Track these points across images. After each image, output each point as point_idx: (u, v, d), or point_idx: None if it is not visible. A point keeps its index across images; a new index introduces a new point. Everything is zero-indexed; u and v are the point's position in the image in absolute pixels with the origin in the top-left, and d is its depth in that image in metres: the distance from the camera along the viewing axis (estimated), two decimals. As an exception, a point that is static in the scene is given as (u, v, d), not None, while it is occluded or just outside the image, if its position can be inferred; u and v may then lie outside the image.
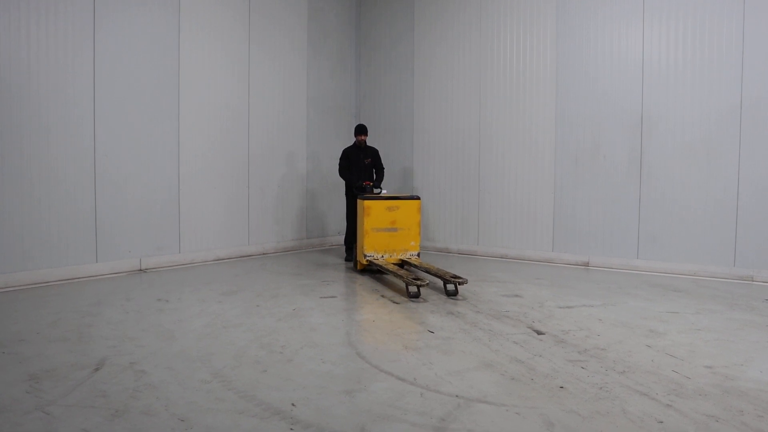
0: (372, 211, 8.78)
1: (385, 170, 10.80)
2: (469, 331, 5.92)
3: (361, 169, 10.09)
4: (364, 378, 4.52)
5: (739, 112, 8.73)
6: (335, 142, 12.47)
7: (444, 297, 7.46)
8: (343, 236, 12.69)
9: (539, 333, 5.84)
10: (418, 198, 9.05)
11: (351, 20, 12.86)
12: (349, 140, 12.73)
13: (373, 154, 10.31)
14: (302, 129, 11.73)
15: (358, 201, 9.06)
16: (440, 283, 8.16)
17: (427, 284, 7.24)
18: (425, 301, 7.27)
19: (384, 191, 9.70)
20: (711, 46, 8.91)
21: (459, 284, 7.36)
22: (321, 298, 7.37)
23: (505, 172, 10.92)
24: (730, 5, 8.75)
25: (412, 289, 7.33)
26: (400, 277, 7.59)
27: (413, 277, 7.47)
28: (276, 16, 11.01)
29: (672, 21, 9.21)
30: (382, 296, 7.55)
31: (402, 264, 8.87)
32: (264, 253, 10.89)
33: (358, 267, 9.15)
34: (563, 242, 10.29)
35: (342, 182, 11.29)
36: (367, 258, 8.78)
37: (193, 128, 9.57)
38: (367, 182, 9.79)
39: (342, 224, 12.66)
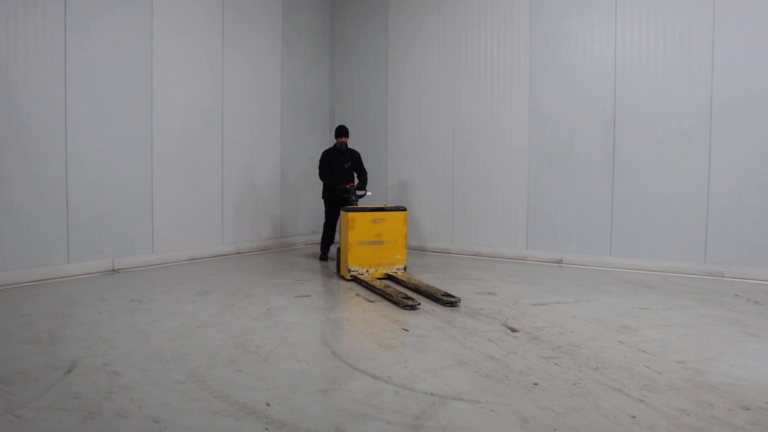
0: (357, 224, 8.33)
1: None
2: (444, 329, 5.94)
3: (341, 173, 9.81)
4: (339, 377, 4.53)
5: (709, 111, 8.85)
6: (309, 141, 12.46)
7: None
8: (314, 233, 12.68)
9: (513, 330, 5.88)
10: (404, 209, 8.60)
11: (325, 19, 12.84)
12: (324, 139, 12.73)
13: (354, 157, 10.02)
14: (276, 128, 11.69)
15: (342, 213, 8.61)
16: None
17: (419, 305, 6.81)
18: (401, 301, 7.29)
19: (369, 193, 9.66)
20: (682, 46, 9.03)
21: (452, 304, 6.89)
22: (296, 297, 7.36)
23: (479, 170, 10.97)
24: (700, 6, 8.86)
25: (406, 308, 6.75)
26: (389, 296, 7.12)
27: (403, 296, 7.01)
28: (250, 14, 10.97)
29: (644, 21, 9.31)
30: (357, 295, 7.56)
31: (388, 279, 8.43)
32: (238, 253, 10.85)
33: (342, 275, 8.64)
34: (537, 240, 10.36)
35: (320, 183, 11.24)
36: (352, 273, 8.34)
37: (167, 128, 9.51)
38: (351, 184, 9.46)
39: (316, 223, 12.64)
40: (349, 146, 10.17)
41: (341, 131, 9.80)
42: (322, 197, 10.17)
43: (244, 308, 6.71)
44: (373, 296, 7.37)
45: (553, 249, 10.23)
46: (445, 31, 11.29)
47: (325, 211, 10.15)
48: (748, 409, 3.98)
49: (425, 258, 10.72)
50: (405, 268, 8.58)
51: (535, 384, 4.41)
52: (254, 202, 11.24)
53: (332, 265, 9.89)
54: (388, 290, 7.31)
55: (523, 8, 10.39)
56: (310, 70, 12.51)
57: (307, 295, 7.46)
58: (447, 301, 6.90)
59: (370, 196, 9.44)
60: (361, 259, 8.38)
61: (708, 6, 8.80)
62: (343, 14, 12.77)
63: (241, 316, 6.34)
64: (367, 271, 8.41)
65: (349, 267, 8.35)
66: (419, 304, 6.81)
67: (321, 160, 9.89)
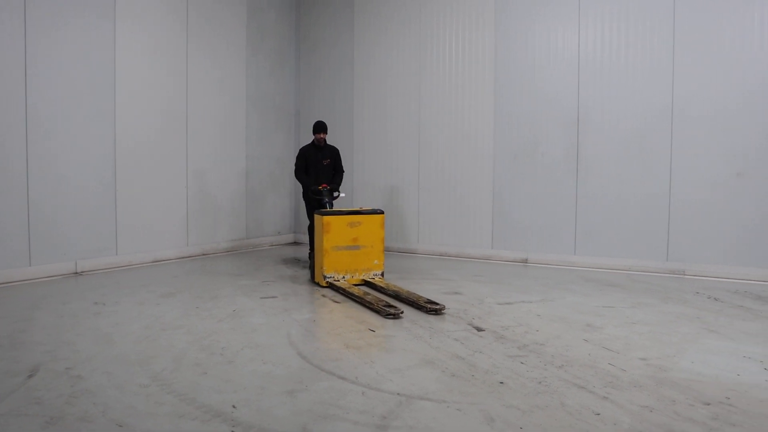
0: (332, 228, 7.90)
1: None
2: (410, 328, 5.96)
3: (319, 171, 9.19)
4: (305, 378, 4.52)
5: (670, 110, 8.99)
6: (275, 142, 12.41)
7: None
8: (280, 234, 12.63)
9: (479, 329, 5.92)
10: (381, 212, 8.23)
11: (290, 20, 12.80)
12: (289, 140, 12.70)
13: (333, 154, 9.38)
14: (241, 129, 11.63)
15: (316, 216, 8.18)
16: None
17: (402, 313, 6.44)
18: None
19: (342, 194, 9.27)
20: (644, 47, 9.16)
21: (436, 312, 6.55)
22: (261, 298, 7.33)
23: (444, 169, 11.01)
24: (661, 8, 9.00)
25: (389, 317, 6.37)
26: (369, 304, 6.75)
27: (384, 303, 6.66)
28: (214, 16, 10.88)
29: (606, 22, 9.43)
30: (323, 296, 7.55)
31: (365, 285, 8.03)
32: (204, 254, 10.77)
33: (317, 281, 8.19)
34: (502, 239, 10.43)
35: (286, 183, 11.16)
36: (327, 279, 7.92)
37: (130, 128, 9.40)
38: (324, 185, 8.95)
39: (282, 224, 12.60)
40: (323, 143, 9.38)
41: (319, 127, 9.23)
42: (303, 197, 9.49)
43: (209, 310, 6.67)
44: (351, 305, 7.00)
45: (518, 248, 10.30)
46: (410, 31, 11.32)
47: (308, 213, 9.37)
48: (708, 404, 4.05)
49: (391, 259, 10.73)
50: (382, 274, 8.22)
51: (501, 383, 4.45)
52: (219, 203, 11.17)
53: (305, 271, 9.84)
54: (368, 298, 6.96)
55: (488, 8, 10.45)
56: (276, 71, 12.46)
57: (273, 297, 7.43)
58: (430, 308, 6.60)
59: (343, 198, 9.12)
60: (336, 264, 7.98)
61: (668, 8, 8.95)
62: (309, 15, 12.74)
63: (206, 318, 6.30)
64: (344, 277, 8.00)
65: (325, 273, 7.94)
66: (402, 312, 6.45)
67: (297, 157, 9.27)
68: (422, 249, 11.34)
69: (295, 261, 10.30)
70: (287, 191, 12.77)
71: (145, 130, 9.67)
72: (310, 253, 9.20)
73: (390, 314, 6.38)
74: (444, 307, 6.62)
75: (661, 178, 9.11)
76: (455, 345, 5.40)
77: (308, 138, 12.36)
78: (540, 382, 4.45)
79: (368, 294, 7.19)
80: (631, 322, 6.30)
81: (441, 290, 7.87)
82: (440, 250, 11.06)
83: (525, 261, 10.19)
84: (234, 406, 3.96)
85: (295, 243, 12.72)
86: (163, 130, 9.99)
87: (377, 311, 6.57)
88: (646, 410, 3.96)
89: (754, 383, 4.47)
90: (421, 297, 6.99)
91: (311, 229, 9.07)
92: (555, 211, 9.95)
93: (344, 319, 6.39)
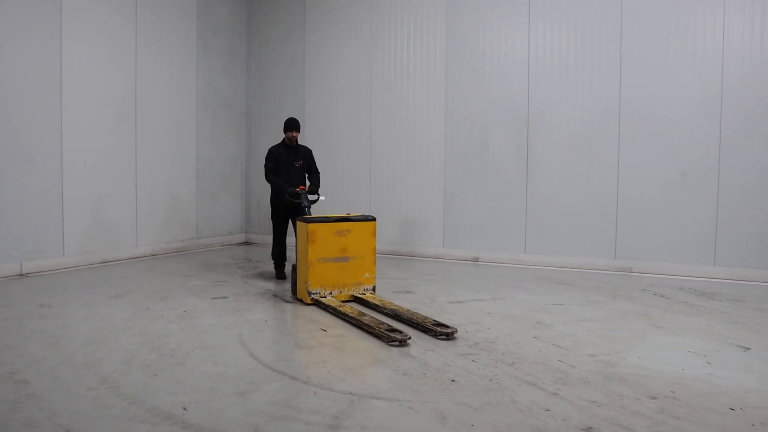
0: (318, 237, 6.96)
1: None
2: (363, 328, 5.96)
3: (291, 173, 8.43)
4: (257, 378, 4.50)
5: (617, 111, 9.16)
6: (226, 141, 12.29)
7: (338, 295, 7.47)
8: (232, 234, 12.53)
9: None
10: (373, 219, 7.32)
11: (242, 16, 12.68)
12: (240, 139, 12.60)
13: (306, 154, 8.66)
14: (192, 128, 11.48)
15: (299, 224, 7.21)
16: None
17: (410, 339, 5.48)
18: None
19: (323, 198, 8.44)
20: (592, 49, 9.33)
21: (448, 336, 5.62)
22: (212, 298, 7.26)
23: (395, 169, 11.03)
24: (609, 12, 9.18)
25: (393, 344, 5.40)
26: (369, 327, 5.78)
27: (386, 327, 5.66)
28: (164, 10, 10.72)
29: (556, 24, 9.57)
30: (275, 296, 7.51)
31: (355, 301, 7.10)
32: (153, 255, 10.62)
33: (300, 297, 7.19)
34: (453, 238, 10.50)
35: (234, 184, 11.03)
36: (313, 296, 6.94)
37: (77, 127, 9.21)
38: (302, 187, 8.23)
39: (233, 224, 12.50)
40: (295, 143, 8.63)
41: (291, 125, 8.45)
42: (270, 203, 8.63)
43: (159, 311, 6.58)
44: (344, 328, 5.99)
45: (469, 247, 10.38)
46: (362, 29, 11.31)
47: (273, 220, 8.65)
48: (654, 398, 4.14)
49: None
50: (374, 288, 7.29)
51: (453, 381, 4.48)
52: (169, 203, 11.02)
53: (275, 281, 9.77)
54: (365, 320, 5.98)
55: (439, 8, 10.51)
56: (227, 69, 12.34)
57: (224, 297, 7.37)
58: (440, 332, 5.64)
59: (323, 202, 8.62)
60: (323, 279, 7.00)
61: (616, 11, 9.12)
62: (260, 11, 12.63)
63: (156, 319, 6.22)
64: (331, 293, 7.04)
65: (310, 289, 6.96)
66: (409, 338, 5.48)
67: (267, 158, 8.45)
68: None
69: (247, 261, 10.23)
70: (239, 191, 12.67)
71: (93, 129, 9.49)
72: (275, 261, 8.70)
73: (395, 341, 5.43)
74: (456, 330, 5.67)
75: (609, 177, 9.29)
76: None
77: (260, 138, 12.36)
78: (491, 380, 4.50)
79: (364, 315, 6.18)
80: (581, 319, 6.41)
81: (392, 289, 7.89)
82: (391, 249, 11.08)
83: (476, 260, 10.28)
84: (185, 408, 3.92)
85: (247, 243, 12.63)
86: (111, 128, 9.81)
87: (378, 336, 5.60)
88: (594, 405, 4.03)
89: (697, 377, 4.59)
90: (426, 318, 6.08)
91: (276, 237, 8.57)
92: (505, 211, 10.05)
93: (296, 319, 6.38)
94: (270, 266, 9.46)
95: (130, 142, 10.16)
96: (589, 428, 3.67)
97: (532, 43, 9.76)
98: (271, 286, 8.11)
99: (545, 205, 9.76)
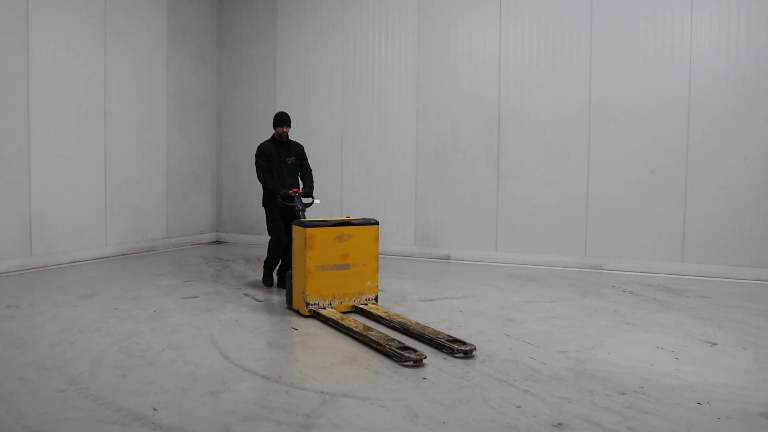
0: (316, 242, 6.37)
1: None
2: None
3: (284, 171, 7.85)
4: (228, 378, 4.48)
5: (588, 111, 9.25)
6: (197, 139, 12.19)
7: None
8: (202, 233, 12.44)
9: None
10: (376, 222, 6.73)
11: (212, 14, 12.58)
12: (210, 138, 12.51)
13: (298, 151, 8.05)
14: (162, 126, 11.37)
15: (296, 228, 6.62)
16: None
17: (425, 358, 4.89)
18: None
19: (317, 201, 7.85)
20: (563, 49, 9.41)
21: (466, 355, 5.06)
22: (183, 298, 7.21)
23: (367, 168, 11.02)
24: (579, 11, 9.27)
25: (407, 363, 4.85)
26: (377, 344, 5.21)
27: (398, 345, 5.07)
28: (134, 8, 10.60)
29: (527, 24, 9.64)
30: (246, 294, 7.47)
31: (356, 312, 6.55)
32: (123, 254, 10.51)
33: (296, 308, 6.61)
34: (425, 237, 10.52)
35: (201, 183, 10.91)
36: (311, 307, 6.36)
37: (45, 125, 9.08)
38: (296, 189, 7.62)
39: (204, 222, 12.41)
40: (286, 139, 8.00)
41: (282, 119, 7.84)
42: (263, 204, 7.95)
43: (129, 311, 6.52)
44: (347, 343, 5.45)
45: (441, 245, 10.41)
46: (333, 28, 11.28)
47: (268, 224, 7.88)
48: (624, 394, 4.19)
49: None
50: (377, 298, 6.69)
51: (424, 379, 4.50)
52: (140, 202, 10.90)
53: (266, 287, 9.64)
54: (372, 335, 5.40)
55: (411, 8, 10.52)
56: (198, 67, 12.24)
57: (195, 296, 7.32)
58: (458, 350, 5.08)
59: (318, 205, 8.07)
60: (322, 288, 6.42)
61: (586, 11, 9.20)
62: (231, 9, 12.53)
63: (125, 320, 6.16)
64: (330, 303, 6.46)
65: (308, 299, 6.36)
66: (425, 357, 4.89)
67: (258, 156, 7.80)
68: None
69: (218, 260, 10.16)
70: (209, 190, 12.58)
71: (61, 127, 9.36)
72: (265, 268, 8.05)
73: (408, 360, 4.85)
74: (474, 347, 5.12)
75: (579, 176, 9.37)
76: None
77: (231, 136, 12.31)
78: (462, 377, 4.52)
79: (370, 329, 5.59)
80: (551, 316, 6.46)
81: (365, 288, 7.88)
82: (365, 248, 11.04)
83: (448, 258, 10.31)
84: (155, 409, 3.89)
85: (218, 242, 12.55)
86: (80, 127, 9.68)
87: (389, 355, 5.04)
88: (565, 401, 4.07)
89: (666, 372, 4.65)
90: (440, 333, 5.52)
91: (272, 243, 7.83)
92: (477, 209, 10.10)
93: (267, 318, 6.35)
94: (241, 265, 9.43)
95: (99, 141, 10.05)
96: (560, 424, 3.71)
97: (503, 42, 9.82)
98: (242, 285, 8.07)
99: (516, 203, 9.82)
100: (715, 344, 5.44)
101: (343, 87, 11.22)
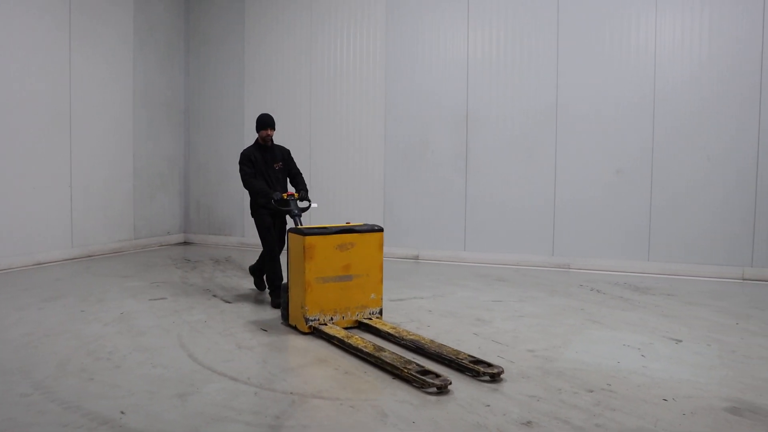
0: (317, 252, 5.74)
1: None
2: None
3: (271, 178, 7.22)
4: (196, 380, 4.45)
5: (554, 112, 9.33)
6: (164, 140, 12.07)
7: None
8: (170, 234, 12.34)
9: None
10: (380, 229, 6.14)
11: (180, 12, 12.45)
12: (178, 139, 12.40)
13: (285, 155, 7.48)
14: (129, 126, 11.24)
15: (293, 237, 5.98)
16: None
17: (450, 384, 4.28)
18: (260, 301, 7.25)
19: (315, 205, 7.32)
20: (530, 51, 9.48)
21: (494, 378, 4.49)
22: (150, 300, 7.14)
23: (336, 168, 11.00)
24: (545, 14, 9.35)
25: (431, 390, 4.24)
26: (393, 367, 4.60)
27: (417, 368, 4.49)
28: (98, 6, 10.46)
29: (494, 26, 9.69)
30: (214, 296, 7.42)
31: (359, 328, 5.95)
32: (90, 256, 10.38)
33: (294, 324, 5.96)
34: (394, 237, 10.51)
35: (174, 183, 10.78)
36: (311, 323, 5.72)
37: (8, 127, 8.94)
38: (291, 193, 7.04)
39: (172, 223, 12.30)
40: (270, 143, 7.42)
41: (265, 122, 7.25)
42: (252, 213, 7.28)
43: (95, 313, 6.44)
44: (354, 364, 4.88)
45: (409, 245, 10.43)
46: (301, 27, 11.24)
47: (260, 234, 7.19)
48: (591, 392, 4.24)
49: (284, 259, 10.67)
50: (381, 312, 6.11)
51: (394, 378, 4.50)
52: (106, 202, 10.77)
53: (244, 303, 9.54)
54: (385, 356, 4.79)
55: (379, 7, 10.52)
56: (165, 66, 12.12)
57: (163, 298, 7.26)
58: (484, 373, 4.51)
59: (316, 209, 7.70)
60: (323, 302, 5.80)
61: (553, 12, 9.28)
62: (199, 7, 12.42)
63: (92, 322, 6.09)
64: (331, 319, 5.83)
65: (308, 315, 5.74)
66: (450, 383, 4.28)
67: (242, 162, 7.18)
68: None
69: (186, 261, 10.07)
70: (177, 190, 12.47)
71: (25, 128, 9.21)
72: (270, 286, 7.16)
73: (431, 386, 4.26)
74: (502, 370, 4.55)
75: (547, 176, 9.45)
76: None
77: (198, 136, 12.24)
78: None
79: (382, 349, 4.97)
80: (520, 315, 6.51)
81: (335, 288, 7.86)
82: (334, 248, 11.02)
83: (416, 258, 10.33)
84: (122, 412, 3.85)
85: (186, 243, 12.44)
86: (44, 127, 9.54)
87: (407, 380, 4.46)
88: (533, 400, 4.10)
89: (632, 370, 4.71)
90: (460, 352, 4.95)
91: (268, 256, 7.14)
92: (445, 209, 10.13)
93: (236, 319, 6.30)
94: (209, 266, 9.38)
95: (65, 141, 9.90)
96: (529, 422, 3.73)
97: (471, 42, 9.86)
98: (210, 285, 8.01)
99: (484, 203, 9.87)
100: (680, 341, 5.52)
101: (311, 87, 11.19)
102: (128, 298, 7.24)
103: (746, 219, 8.50)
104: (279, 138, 11.07)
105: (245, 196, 11.59)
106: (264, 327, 5.99)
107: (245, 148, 7.50)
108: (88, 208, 10.40)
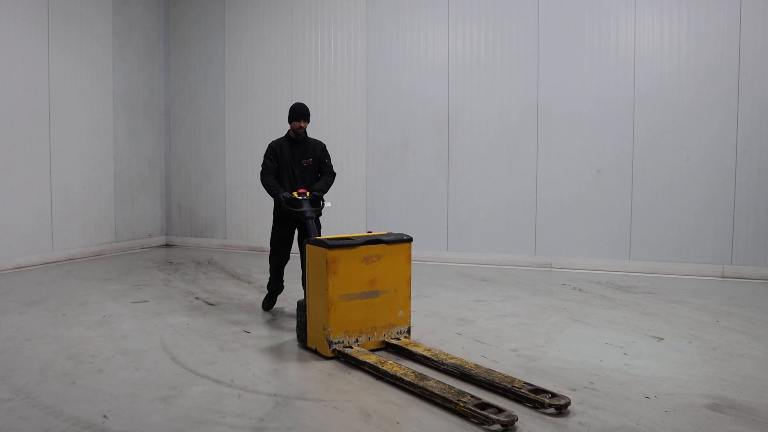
0: (341, 267, 5.10)
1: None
2: (286, 328, 5.95)
3: (296, 175, 6.58)
4: (179, 383, 4.43)
5: (535, 111, 9.37)
6: (145, 141, 11.99)
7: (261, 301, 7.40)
8: (152, 236, 12.26)
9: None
10: (409, 239, 5.70)
11: (159, 13, 12.37)
12: (159, 140, 12.32)
13: (318, 151, 6.71)
14: (109, 128, 11.16)
15: (311, 249, 5.32)
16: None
17: (517, 420, 3.71)
18: (244, 303, 7.22)
19: (328, 204, 6.68)
20: (510, 50, 9.51)
21: (560, 410, 3.92)
22: (133, 303, 7.10)
23: (319, 169, 10.97)
24: (526, 14, 9.40)
25: (494, 428, 3.70)
26: (444, 399, 3.99)
27: (474, 401, 3.88)
28: (76, 8, 10.38)
29: (475, 26, 9.72)
30: (197, 298, 7.39)
31: (386, 350, 5.31)
32: (70, 259, 10.30)
33: (314, 347, 5.25)
34: (378, 237, 10.51)
35: (151, 184, 10.69)
36: (335, 346, 5.06)
37: (-15, 127, 8.88)
38: (302, 190, 6.35)
39: (153, 226, 12.23)
40: (303, 136, 6.66)
41: (299, 112, 6.49)
42: (274, 212, 6.79)
43: (77, 317, 6.40)
44: (395, 396, 4.24)
45: (393, 245, 10.41)
46: (282, 27, 11.21)
47: (270, 237, 6.87)
48: (574, 390, 4.26)
49: (262, 259, 10.64)
50: (409, 331, 5.50)
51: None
52: (87, 205, 10.69)
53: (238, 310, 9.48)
54: (431, 386, 4.18)
55: (360, 8, 10.51)
56: (144, 67, 12.04)
57: (145, 301, 7.22)
58: (549, 404, 3.94)
59: (329, 208, 7.15)
60: (347, 322, 5.16)
61: (533, 13, 9.33)
62: (178, 7, 12.34)
63: (73, 326, 6.04)
64: (357, 340, 5.20)
65: (331, 337, 5.07)
66: (516, 419, 3.71)
67: (265, 155, 6.57)
68: (295, 249, 11.25)
69: (168, 263, 10.02)
70: (158, 192, 12.39)
71: (3, 129, 9.11)
72: (269, 289, 6.93)
73: (494, 423, 3.70)
74: (569, 402, 3.97)
75: (528, 175, 9.49)
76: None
77: (179, 137, 12.18)
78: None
79: (425, 378, 4.34)
80: (502, 314, 6.54)
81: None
82: (317, 249, 11.00)
83: (400, 258, 10.32)
84: (105, 416, 3.83)
85: (168, 245, 12.37)
86: (23, 129, 9.44)
87: (463, 415, 3.87)
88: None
89: (615, 368, 4.75)
90: (514, 379, 4.33)
91: (273, 257, 6.80)
92: (427, 209, 10.14)
93: (219, 322, 6.27)
94: (191, 268, 9.34)
95: (44, 144, 9.82)
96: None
97: (452, 43, 9.89)
98: (193, 288, 7.98)
99: (466, 203, 9.90)
100: (662, 339, 5.57)
101: (293, 86, 11.16)
102: (110, 301, 7.20)
103: (726, 217, 8.58)
104: (260, 138, 11.07)
105: (227, 197, 11.68)
106: (247, 329, 5.97)
107: (275, 139, 6.79)
108: (69, 211, 10.31)
